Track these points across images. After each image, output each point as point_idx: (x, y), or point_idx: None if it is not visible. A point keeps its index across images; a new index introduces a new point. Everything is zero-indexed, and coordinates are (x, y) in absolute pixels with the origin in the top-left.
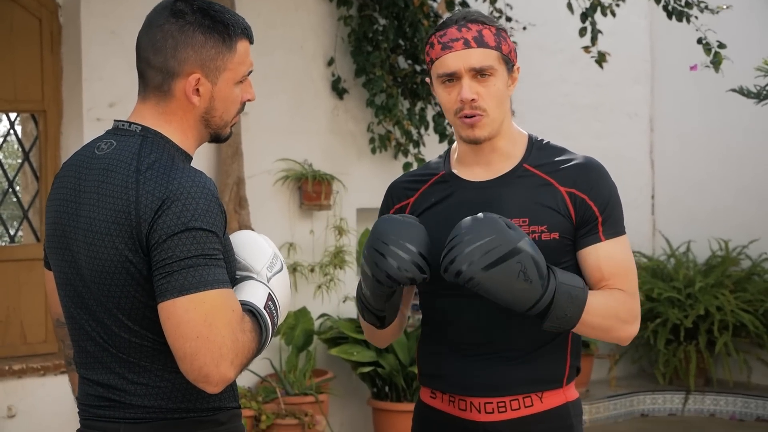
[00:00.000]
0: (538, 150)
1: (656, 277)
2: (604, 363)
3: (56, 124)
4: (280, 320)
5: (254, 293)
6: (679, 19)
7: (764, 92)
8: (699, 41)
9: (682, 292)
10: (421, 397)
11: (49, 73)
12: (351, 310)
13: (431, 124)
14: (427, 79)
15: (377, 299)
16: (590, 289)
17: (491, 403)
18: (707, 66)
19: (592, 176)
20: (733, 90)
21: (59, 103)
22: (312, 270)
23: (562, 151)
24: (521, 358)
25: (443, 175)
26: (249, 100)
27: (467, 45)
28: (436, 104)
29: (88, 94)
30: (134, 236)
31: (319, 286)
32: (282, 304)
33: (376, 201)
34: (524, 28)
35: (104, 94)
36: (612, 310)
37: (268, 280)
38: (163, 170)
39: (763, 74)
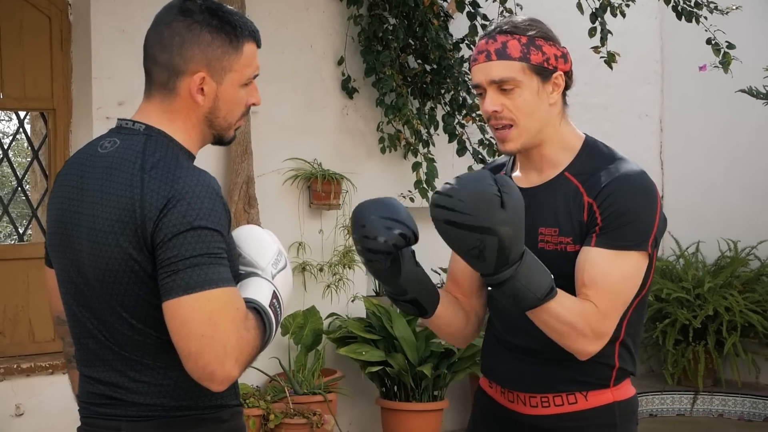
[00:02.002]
0: (587, 157)
1: (665, 278)
2: None
3: (65, 122)
4: (283, 316)
5: (259, 291)
6: (689, 20)
7: None
8: (708, 42)
9: (691, 293)
10: (481, 385)
11: (58, 72)
12: (360, 310)
13: (441, 124)
14: None
15: (384, 280)
16: (575, 290)
17: (535, 397)
18: (716, 66)
19: (615, 188)
20: (742, 90)
21: (69, 101)
22: (321, 269)
23: (611, 160)
24: (567, 359)
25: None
26: (254, 104)
27: (488, 58)
28: (446, 104)
29: (98, 93)
30: (139, 234)
31: (328, 286)
32: (286, 301)
33: None
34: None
35: (114, 92)
36: (572, 318)
37: (273, 277)
38: (167, 169)
39: None
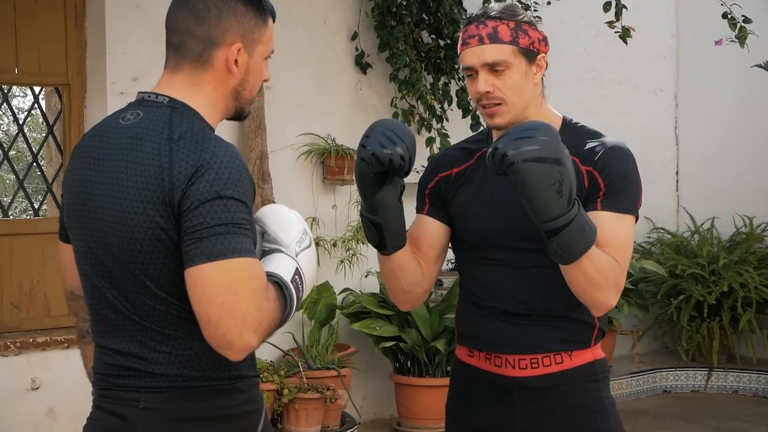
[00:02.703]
0: (570, 133)
1: (680, 254)
2: (627, 339)
3: (80, 97)
4: (305, 295)
5: (282, 266)
6: None
7: None
8: (724, 16)
9: (705, 269)
10: (458, 355)
11: (72, 47)
12: (374, 285)
13: (455, 99)
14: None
15: (364, 190)
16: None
17: (525, 359)
18: (732, 41)
19: (610, 156)
20: (758, 65)
21: (83, 76)
22: (335, 245)
23: (595, 134)
24: (553, 321)
25: (484, 153)
26: (266, 80)
27: (481, 41)
28: (459, 79)
29: (112, 68)
30: (166, 202)
31: (342, 261)
32: (308, 280)
33: None
34: (548, 3)
35: (128, 67)
36: (606, 269)
37: (297, 254)
38: (196, 139)
39: None
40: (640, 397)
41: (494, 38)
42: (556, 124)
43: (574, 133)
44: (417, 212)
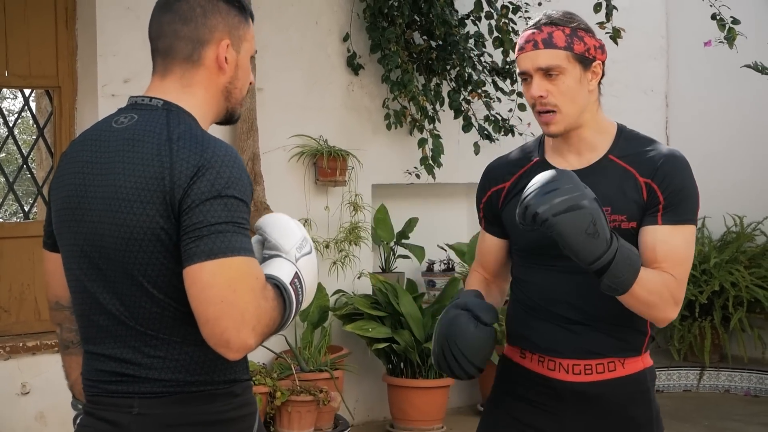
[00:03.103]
0: (625, 141)
1: None
2: None
3: (71, 100)
4: (306, 301)
5: (281, 269)
6: None
7: None
8: (713, 17)
9: (697, 268)
10: (508, 355)
11: (63, 49)
12: (366, 286)
13: (446, 100)
14: (487, 71)
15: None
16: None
17: (579, 365)
18: (721, 42)
19: (668, 167)
20: (748, 66)
21: (74, 79)
22: (327, 246)
23: (649, 141)
24: (607, 328)
25: (537, 162)
26: (250, 83)
27: (536, 47)
28: (451, 80)
29: (103, 70)
30: (167, 202)
31: (335, 263)
32: (309, 286)
33: (392, 177)
34: (539, 4)
35: (119, 70)
36: (659, 289)
37: (297, 260)
38: (195, 139)
39: None
40: None
41: (549, 43)
42: (611, 132)
43: (629, 141)
44: (479, 225)
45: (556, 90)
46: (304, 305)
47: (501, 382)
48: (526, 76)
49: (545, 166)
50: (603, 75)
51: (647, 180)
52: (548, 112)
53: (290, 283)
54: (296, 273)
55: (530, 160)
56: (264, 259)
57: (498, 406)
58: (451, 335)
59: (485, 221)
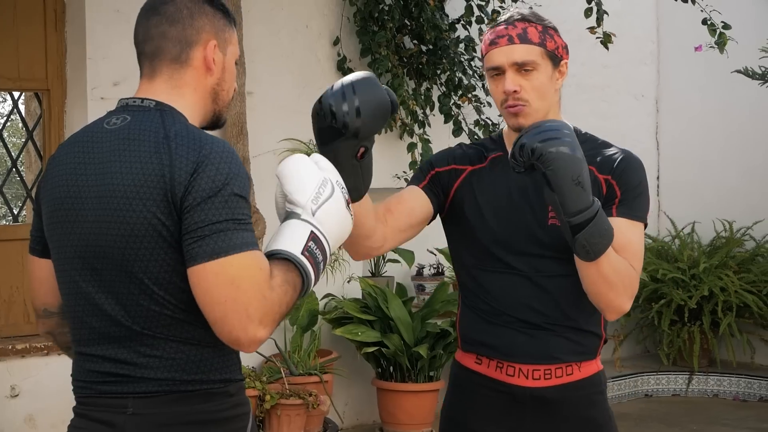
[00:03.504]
0: (583, 142)
1: (661, 258)
2: (609, 344)
3: (60, 103)
4: (338, 244)
5: (292, 238)
6: (685, 0)
7: None
8: (704, 22)
9: (686, 273)
10: (461, 362)
11: (53, 52)
12: (356, 290)
13: (436, 105)
14: (477, 76)
15: (317, 138)
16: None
17: (539, 370)
18: (712, 47)
19: (624, 166)
20: (738, 71)
21: (63, 81)
22: None
23: (604, 143)
24: (566, 332)
25: (500, 157)
26: (234, 89)
27: (511, 41)
28: (441, 84)
29: (92, 73)
30: (168, 199)
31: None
32: (334, 234)
33: (381, 181)
34: (530, 8)
35: (108, 73)
36: (623, 270)
37: (314, 213)
38: (192, 136)
39: None
40: (622, 401)
41: (524, 39)
42: None
43: (586, 142)
44: (410, 184)
45: (529, 85)
46: (335, 248)
47: (456, 392)
48: (498, 72)
49: (507, 163)
50: (566, 75)
51: (606, 177)
52: (519, 105)
53: (304, 250)
54: (311, 233)
55: (495, 152)
56: (286, 215)
57: (455, 419)
58: (353, 77)
59: (429, 183)
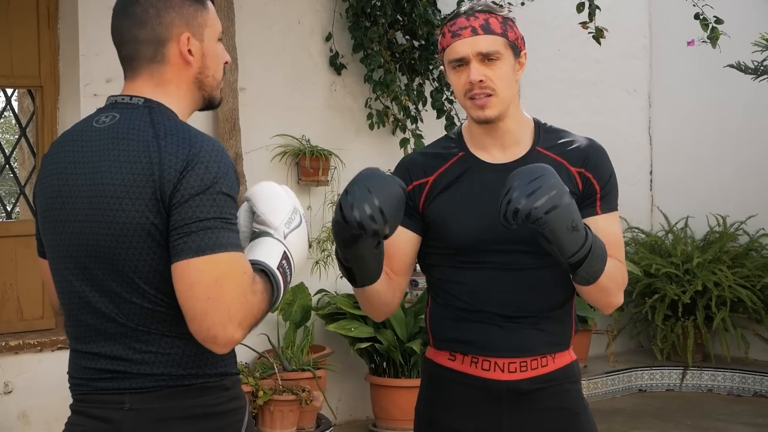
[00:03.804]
0: (545, 133)
1: (654, 253)
2: (602, 339)
3: (53, 99)
4: (295, 274)
5: (269, 253)
6: None
7: (761, 68)
8: (696, 17)
9: (680, 268)
10: (434, 359)
11: (45, 49)
12: (349, 286)
13: (429, 100)
14: (441, 67)
15: (338, 243)
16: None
17: (514, 363)
18: (704, 42)
19: (597, 157)
20: (731, 66)
21: (56, 78)
22: (310, 246)
23: (567, 133)
24: (540, 323)
25: (463, 156)
26: (226, 62)
27: (474, 32)
28: (434, 80)
29: (85, 70)
30: (157, 197)
31: (317, 262)
32: (298, 260)
33: None
34: (522, 4)
35: (101, 69)
36: (615, 273)
37: (285, 236)
38: (182, 134)
39: (761, 49)
40: (616, 397)
41: (487, 29)
42: (530, 127)
43: (549, 133)
44: None
45: (494, 75)
46: (293, 276)
47: (430, 390)
48: (461, 63)
49: (472, 159)
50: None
51: (579, 169)
52: (484, 96)
53: (278, 267)
54: (284, 253)
55: (454, 154)
56: (253, 233)
57: (431, 418)
58: (364, 178)
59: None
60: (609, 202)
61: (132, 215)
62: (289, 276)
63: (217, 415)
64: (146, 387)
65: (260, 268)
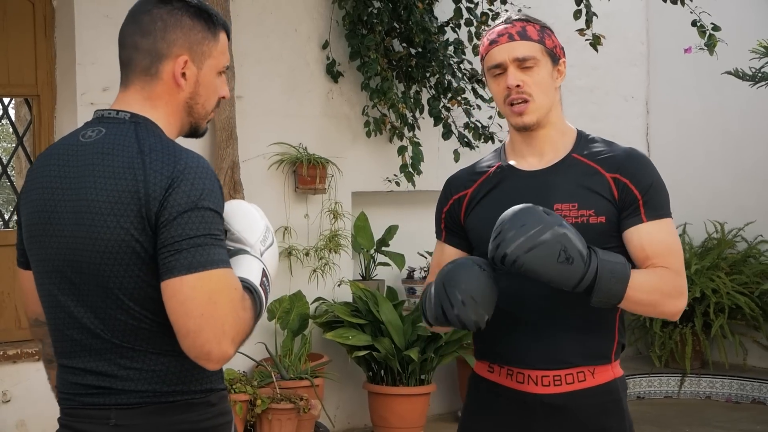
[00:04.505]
0: (586, 142)
1: None
2: None
3: (50, 108)
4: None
5: (250, 270)
6: (674, 2)
7: (759, 74)
8: (693, 24)
9: None
10: (476, 371)
11: (42, 58)
12: (346, 294)
13: (426, 108)
14: (483, 78)
15: (436, 323)
16: (637, 268)
17: (548, 376)
18: (701, 48)
19: (635, 163)
20: (728, 72)
21: (53, 87)
22: (307, 254)
23: (609, 143)
24: (576, 333)
25: (499, 167)
26: (223, 97)
27: (511, 38)
28: (431, 87)
29: (82, 79)
30: (142, 215)
31: (314, 270)
32: (272, 278)
33: (371, 184)
34: (519, 10)
35: (98, 78)
36: (656, 285)
37: (261, 254)
38: (167, 150)
39: (758, 56)
40: None
41: (524, 35)
42: (572, 135)
43: (590, 143)
44: (437, 237)
45: (531, 81)
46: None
47: (471, 402)
48: (500, 69)
49: (508, 168)
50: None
51: (614, 175)
52: (522, 102)
53: (260, 284)
54: (263, 270)
55: (492, 166)
56: (228, 251)
57: (470, 428)
58: (452, 279)
59: (446, 232)
60: (656, 209)
61: (116, 232)
62: (268, 293)
63: (203, 430)
64: (131, 403)
65: (245, 285)
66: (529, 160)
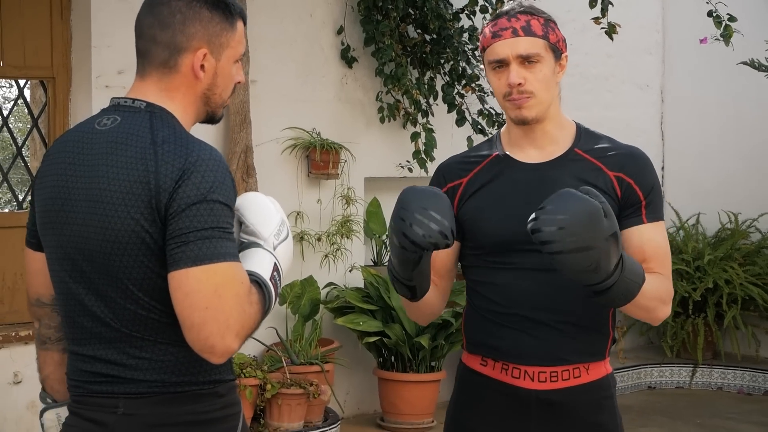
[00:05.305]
0: (586, 136)
1: None
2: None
3: (65, 90)
4: (281, 287)
5: (261, 263)
6: None
7: None
8: (709, 14)
9: (690, 265)
10: (467, 363)
11: (58, 40)
12: (358, 280)
13: (440, 94)
14: (482, 66)
15: (404, 267)
16: None
17: (545, 372)
18: (717, 39)
19: (638, 164)
20: (744, 63)
21: (68, 70)
22: (319, 239)
23: (609, 139)
24: (573, 330)
25: (497, 156)
26: (239, 83)
27: (515, 34)
28: (445, 74)
29: (97, 61)
30: (152, 206)
31: (326, 256)
32: (284, 271)
33: (384, 170)
34: None
35: (113, 61)
36: (656, 293)
37: (275, 248)
38: (179, 142)
39: None
40: (625, 393)
41: (528, 31)
42: (571, 129)
43: (590, 137)
44: None
45: (533, 77)
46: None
47: (461, 393)
48: (501, 64)
49: (506, 159)
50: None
51: (617, 173)
52: (523, 98)
53: (270, 278)
54: (275, 264)
55: (488, 155)
56: (241, 244)
57: (459, 421)
58: (413, 197)
59: None
60: (655, 212)
61: (126, 222)
62: (279, 287)
63: (210, 422)
64: (140, 392)
65: (254, 279)
66: (528, 152)
